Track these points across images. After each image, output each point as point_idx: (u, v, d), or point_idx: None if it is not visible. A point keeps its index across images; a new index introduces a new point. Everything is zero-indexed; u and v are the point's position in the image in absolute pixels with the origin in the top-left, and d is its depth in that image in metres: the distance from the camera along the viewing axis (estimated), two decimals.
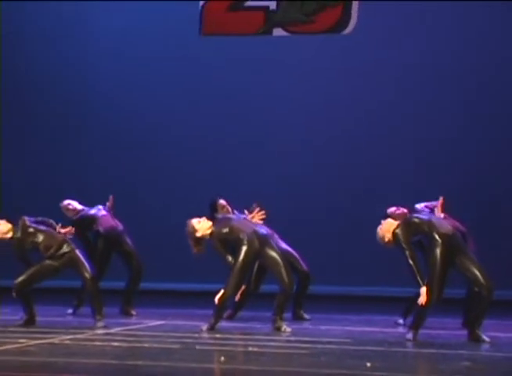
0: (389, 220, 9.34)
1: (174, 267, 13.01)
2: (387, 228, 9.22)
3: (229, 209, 10.46)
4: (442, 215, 9.64)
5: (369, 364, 7.66)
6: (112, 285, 11.20)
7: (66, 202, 11.58)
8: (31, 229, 10.22)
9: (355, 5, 13.55)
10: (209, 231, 9.96)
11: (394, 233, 9.16)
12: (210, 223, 10.02)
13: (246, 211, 10.30)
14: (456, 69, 13.17)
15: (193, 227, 9.97)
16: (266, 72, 13.63)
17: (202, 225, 9.98)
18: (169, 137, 13.78)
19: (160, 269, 12.48)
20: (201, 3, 13.96)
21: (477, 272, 9.06)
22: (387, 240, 9.21)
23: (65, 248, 10.22)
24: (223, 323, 10.26)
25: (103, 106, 14.05)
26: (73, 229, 10.38)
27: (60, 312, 11.42)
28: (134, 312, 11.46)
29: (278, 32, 13.84)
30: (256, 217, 10.21)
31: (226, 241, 10.01)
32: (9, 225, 10.18)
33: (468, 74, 13.16)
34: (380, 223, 9.31)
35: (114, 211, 11.61)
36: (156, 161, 13.71)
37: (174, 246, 12.02)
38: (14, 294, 10.12)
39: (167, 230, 12.63)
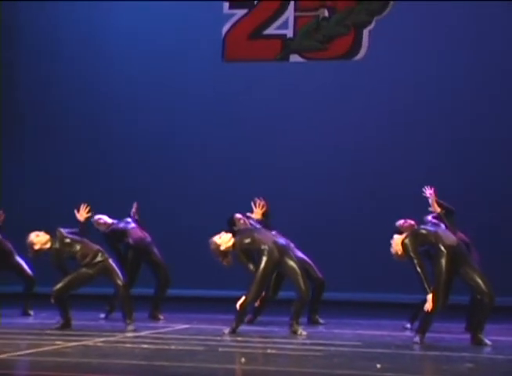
0: (397, 236, 9.36)
1: (199, 275, 13.00)
2: (397, 243, 9.27)
3: (246, 221, 10.46)
4: (439, 210, 9.59)
5: (379, 365, 7.65)
6: (141, 292, 11.20)
7: (98, 217, 11.58)
8: (68, 240, 10.25)
9: (365, 34, 13.58)
10: (231, 243, 9.97)
11: (403, 243, 9.19)
12: (230, 235, 10.04)
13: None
14: (463, 91, 13.14)
15: (215, 243, 9.99)
16: (283, 95, 13.65)
17: (223, 239, 10.00)
18: (190, 155, 13.76)
19: (186, 277, 12.48)
20: (224, 31, 14.00)
21: (480, 281, 9.04)
22: (400, 253, 9.25)
23: (99, 257, 10.24)
24: (244, 327, 10.24)
25: (126, 127, 14.05)
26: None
27: (93, 316, 11.42)
28: (161, 317, 11.46)
29: (294, 58, 13.87)
30: (258, 210, 10.24)
31: (248, 251, 10.03)
32: (47, 236, 10.20)
33: (476, 96, 13.13)
34: (389, 234, 9.34)
35: (139, 217, 11.61)
36: (180, 177, 13.68)
37: (198, 256, 12.00)
38: (52, 300, 10.14)
39: (192, 241, 12.62)
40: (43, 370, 7.51)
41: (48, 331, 9.89)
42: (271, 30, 13.93)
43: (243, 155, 13.50)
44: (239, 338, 9.58)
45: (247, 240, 9.95)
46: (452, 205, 9.56)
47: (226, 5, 14.01)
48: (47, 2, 14.43)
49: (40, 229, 10.21)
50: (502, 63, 13.13)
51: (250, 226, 10.26)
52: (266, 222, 10.33)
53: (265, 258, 9.87)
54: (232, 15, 14.02)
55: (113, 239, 11.54)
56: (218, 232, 10.08)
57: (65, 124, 14.34)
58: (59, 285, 10.11)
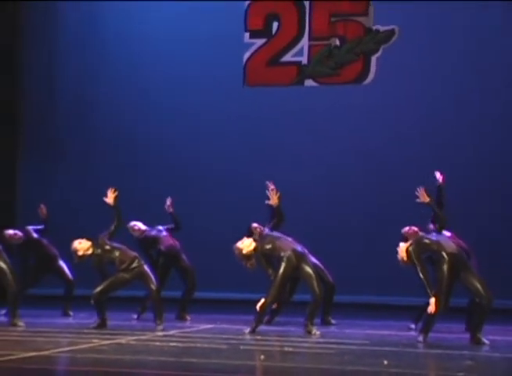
0: (402, 244, 9.36)
1: (223, 279, 12.97)
2: (402, 250, 9.27)
3: (262, 229, 10.45)
4: (427, 199, 9.57)
5: (386, 362, 7.63)
6: (169, 295, 11.19)
7: (133, 223, 11.61)
8: (108, 247, 10.27)
9: (373, 61, 13.58)
10: (252, 247, 9.99)
11: (407, 251, 9.18)
12: (251, 240, 10.06)
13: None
14: (465, 112, 13.06)
15: (238, 248, 10.01)
16: (299, 116, 13.64)
17: (245, 244, 10.02)
18: (214, 168, 13.71)
19: (211, 281, 12.45)
20: (245, 58, 14.03)
21: (479, 286, 9.01)
22: (405, 260, 9.25)
23: (135, 263, 10.26)
24: (262, 327, 10.22)
25: (153, 146, 14.05)
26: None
27: (127, 317, 11.43)
28: (188, 318, 11.45)
29: (309, 83, 13.87)
30: (274, 195, 10.22)
31: (268, 256, 10.04)
32: (89, 243, 10.24)
33: (480, 119, 13.00)
34: (396, 242, 9.35)
35: (174, 211, 11.58)
36: (203, 188, 13.63)
37: (222, 261, 11.98)
38: (92, 301, 10.16)
39: (216, 247, 12.59)
40: (81, 365, 7.53)
41: (86, 330, 9.91)
42: (287, 58, 13.95)
43: (263, 167, 13.44)
44: (258, 337, 9.58)
45: (268, 246, 9.96)
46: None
47: (247, 35, 14.05)
48: (83, 29, 14.47)
49: (82, 237, 10.25)
50: (506, 85, 13.01)
51: (270, 233, 10.23)
52: (280, 209, 10.28)
53: (284, 264, 9.88)
54: (252, 44, 14.04)
55: (146, 245, 11.55)
56: (240, 238, 10.10)
57: (99, 144, 14.35)
58: (98, 288, 10.13)
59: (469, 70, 13.07)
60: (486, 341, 9.02)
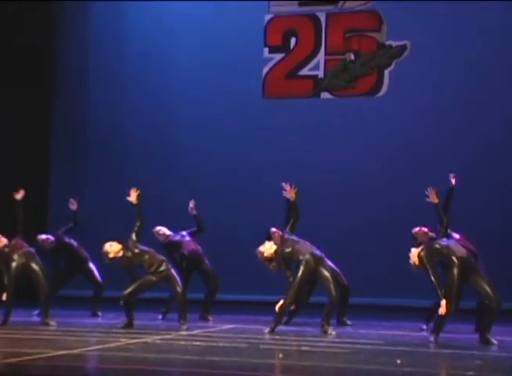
0: (414, 250, 9.34)
1: (243, 282, 12.94)
2: (414, 255, 9.26)
3: (281, 233, 10.43)
4: (437, 201, 9.52)
5: (399, 361, 7.60)
6: (193, 296, 11.19)
7: (158, 228, 11.62)
8: (137, 250, 10.29)
9: (386, 74, 13.56)
10: (273, 250, 10.01)
11: (419, 256, 9.16)
12: (271, 243, 10.08)
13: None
14: (476, 124, 12.95)
15: (260, 251, 10.06)
16: (316, 126, 13.63)
17: (266, 247, 10.05)
18: (236, 176, 13.71)
19: (232, 284, 12.41)
20: (264, 72, 14.04)
21: (488, 288, 8.97)
22: (417, 264, 9.24)
23: (163, 267, 10.28)
24: (281, 328, 10.21)
25: (179, 152, 14.06)
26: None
27: (152, 317, 11.44)
28: (211, 318, 11.44)
29: (325, 95, 13.86)
30: (291, 191, 10.18)
31: (287, 259, 10.05)
32: (120, 246, 10.26)
33: (491, 130, 12.87)
34: (408, 246, 9.34)
35: (198, 213, 11.56)
36: (225, 194, 13.62)
37: (243, 265, 12.00)
38: (121, 302, 10.19)
39: (237, 251, 12.60)
40: (109, 363, 7.54)
41: (114, 330, 9.92)
42: (304, 72, 13.94)
43: (281, 174, 13.27)
44: (277, 337, 9.56)
45: (288, 250, 9.97)
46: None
47: (266, 50, 14.06)
48: (114, 37, 14.51)
49: (113, 240, 10.27)
50: None
51: (290, 237, 10.22)
52: (296, 204, 10.19)
53: (302, 267, 9.89)
54: (272, 58, 14.05)
55: (170, 249, 11.56)
56: (259, 243, 10.10)
57: (129, 150, 14.34)
58: (128, 290, 10.15)
59: (479, 82, 13.00)
60: (495, 342, 8.98)
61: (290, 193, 10.18)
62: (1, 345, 8.53)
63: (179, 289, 10.25)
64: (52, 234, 11.91)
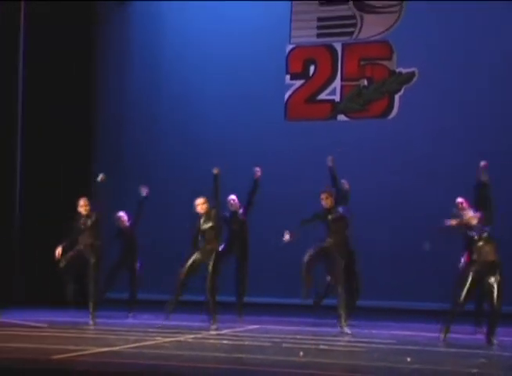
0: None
1: (265, 285, 12.77)
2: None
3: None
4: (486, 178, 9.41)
5: (409, 359, 7.55)
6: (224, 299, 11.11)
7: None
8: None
9: (396, 99, 13.52)
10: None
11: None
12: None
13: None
14: (483, 144, 12.59)
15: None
16: (333, 146, 13.50)
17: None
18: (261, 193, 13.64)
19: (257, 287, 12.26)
20: (286, 97, 14.05)
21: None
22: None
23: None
24: (301, 328, 10.17)
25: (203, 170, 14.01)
26: None
27: (186, 318, 11.40)
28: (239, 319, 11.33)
29: (341, 118, 13.85)
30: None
31: None
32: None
33: (497, 151, 12.40)
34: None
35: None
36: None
37: (271, 270, 11.90)
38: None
39: (264, 256, 12.47)
40: (146, 359, 7.55)
41: (151, 330, 9.92)
42: (322, 96, 13.93)
43: (300, 189, 13.33)
44: (298, 336, 9.51)
45: None
46: None
47: (288, 77, 14.07)
48: (149, 52, 14.48)
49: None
50: None
51: None
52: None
53: None
54: (293, 84, 14.05)
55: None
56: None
57: (164, 162, 14.22)
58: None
59: (481, 106, 12.90)
60: (495, 342, 8.89)
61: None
62: (51, 343, 8.57)
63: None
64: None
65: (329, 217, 10.17)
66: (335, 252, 10.05)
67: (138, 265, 11.76)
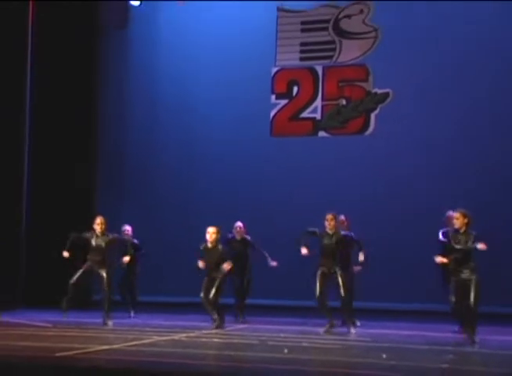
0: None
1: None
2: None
3: None
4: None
5: (384, 356, 7.56)
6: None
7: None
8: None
9: (372, 117, 13.60)
10: None
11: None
12: None
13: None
14: (451, 157, 12.81)
15: None
16: (314, 159, 13.62)
17: None
18: (247, 202, 13.65)
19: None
20: (271, 115, 14.07)
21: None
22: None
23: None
24: (286, 327, 10.14)
25: (203, 183, 14.04)
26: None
27: (179, 318, 11.37)
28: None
29: (322, 134, 13.89)
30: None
31: None
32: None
33: (469, 163, 12.62)
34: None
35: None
36: (256, 215, 13.14)
37: (272, 273, 11.74)
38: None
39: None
40: (143, 356, 7.54)
41: (148, 329, 9.89)
42: (305, 114, 13.99)
43: (285, 201, 13.34)
44: (282, 335, 9.48)
45: None
46: None
47: (273, 96, 14.12)
48: (149, 90, 14.53)
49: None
50: (496, 136, 12.65)
51: None
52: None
53: None
54: (278, 103, 14.09)
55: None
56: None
57: (167, 179, 14.15)
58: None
59: (453, 121, 12.94)
60: (477, 340, 8.85)
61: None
62: (55, 341, 8.54)
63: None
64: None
65: (325, 241, 9.98)
66: (332, 272, 9.91)
67: (138, 269, 11.79)
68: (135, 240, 11.79)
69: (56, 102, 13.84)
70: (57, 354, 7.42)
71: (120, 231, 11.60)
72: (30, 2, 13.55)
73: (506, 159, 12.59)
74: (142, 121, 14.53)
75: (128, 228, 11.82)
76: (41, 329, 9.79)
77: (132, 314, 11.71)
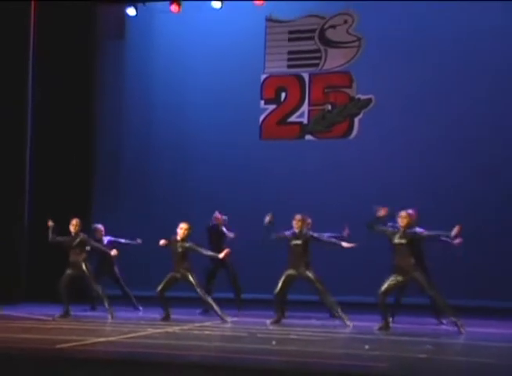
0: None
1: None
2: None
3: None
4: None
5: (367, 347, 7.58)
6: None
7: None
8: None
9: (356, 121, 13.64)
10: None
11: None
12: None
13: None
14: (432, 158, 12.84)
15: None
16: (301, 161, 13.65)
17: None
18: (236, 202, 13.62)
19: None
20: (261, 119, 14.09)
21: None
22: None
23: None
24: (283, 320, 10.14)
25: (195, 187, 14.01)
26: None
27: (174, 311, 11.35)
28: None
29: (308, 137, 13.92)
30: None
31: None
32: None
33: (449, 170, 12.62)
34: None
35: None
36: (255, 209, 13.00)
37: (265, 264, 11.68)
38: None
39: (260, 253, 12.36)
40: (138, 348, 7.54)
41: (143, 322, 9.89)
42: (292, 119, 14.01)
43: (273, 199, 13.27)
44: (270, 327, 9.53)
45: None
46: None
47: (262, 102, 14.13)
48: (144, 94, 14.51)
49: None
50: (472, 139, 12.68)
51: None
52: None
53: None
54: (266, 108, 14.10)
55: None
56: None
57: (162, 187, 14.06)
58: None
59: (433, 126, 12.97)
60: (445, 322, 8.97)
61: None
62: (54, 334, 8.53)
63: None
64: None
65: (293, 242, 9.93)
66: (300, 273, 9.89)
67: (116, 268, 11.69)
68: (107, 239, 11.69)
69: (56, 107, 13.82)
70: (57, 346, 7.40)
71: (91, 230, 11.59)
72: (32, 13, 13.52)
73: (487, 160, 12.56)
74: (138, 125, 14.52)
75: (99, 226, 11.76)
76: (41, 322, 9.77)
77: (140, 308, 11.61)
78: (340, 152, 13.48)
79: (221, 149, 13.97)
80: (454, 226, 9.04)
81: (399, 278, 9.16)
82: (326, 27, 13.84)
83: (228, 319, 10.06)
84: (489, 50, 12.72)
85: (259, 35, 14.00)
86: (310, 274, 9.80)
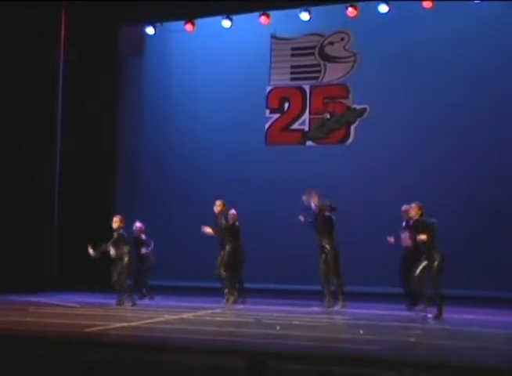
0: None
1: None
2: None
3: None
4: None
5: (361, 332, 7.59)
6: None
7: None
8: None
9: (352, 129, 13.63)
10: None
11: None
12: None
13: None
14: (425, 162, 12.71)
15: None
16: (302, 165, 13.63)
17: None
18: (248, 207, 13.57)
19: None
20: (266, 127, 14.09)
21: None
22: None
23: None
24: (280, 307, 10.13)
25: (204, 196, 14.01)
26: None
27: (187, 300, 11.34)
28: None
29: (309, 143, 13.91)
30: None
31: None
32: None
33: (443, 178, 12.43)
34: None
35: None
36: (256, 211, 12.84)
37: (274, 257, 11.61)
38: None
39: (260, 244, 12.32)
40: (156, 332, 7.57)
41: (160, 309, 9.87)
42: (295, 126, 14.00)
43: (277, 199, 13.28)
44: (275, 314, 9.46)
45: None
46: None
47: (267, 111, 14.14)
48: (162, 108, 14.61)
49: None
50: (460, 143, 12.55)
51: None
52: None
53: None
54: (271, 117, 14.08)
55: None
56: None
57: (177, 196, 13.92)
58: None
59: (422, 133, 12.87)
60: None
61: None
62: (82, 319, 8.56)
63: None
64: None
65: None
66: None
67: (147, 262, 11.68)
68: (143, 236, 11.71)
69: (83, 118, 13.89)
70: (84, 330, 7.44)
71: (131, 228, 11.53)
72: (62, 33, 13.66)
73: (475, 167, 12.40)
74: (156, 133, 14.57)
75: (138, 225, 11.77)
76: (70, 309, 9.81)
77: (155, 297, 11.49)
78: (338, 156, 13.47)
79: (231, 153, 14.00)
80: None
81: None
82: (325, 43, 13.85)
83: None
84: (482, 62, 12.58)
85: (265, 51, 14.02)
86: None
